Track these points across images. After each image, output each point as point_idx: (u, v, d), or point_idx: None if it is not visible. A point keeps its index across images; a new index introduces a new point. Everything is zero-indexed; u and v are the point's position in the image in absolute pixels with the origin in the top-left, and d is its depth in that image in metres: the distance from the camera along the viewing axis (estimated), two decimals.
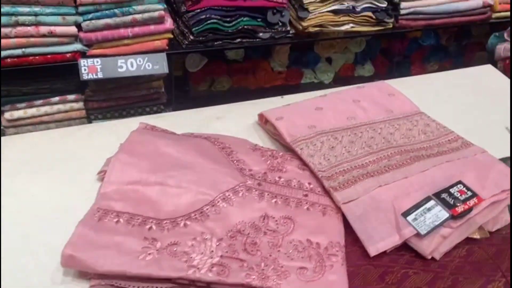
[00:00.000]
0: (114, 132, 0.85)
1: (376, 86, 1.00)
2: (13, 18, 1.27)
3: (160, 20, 1.44)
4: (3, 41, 1.30)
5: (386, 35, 1.93)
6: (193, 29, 1.47)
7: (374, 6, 1.65)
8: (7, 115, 1.46)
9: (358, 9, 1.64)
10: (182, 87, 1.91)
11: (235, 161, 0.77)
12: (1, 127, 1.47)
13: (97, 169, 0.78)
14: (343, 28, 1.66)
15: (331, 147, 0.82)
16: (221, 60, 1.89)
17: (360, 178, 0.76)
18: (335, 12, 1.62)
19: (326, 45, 1.97)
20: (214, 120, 0.93)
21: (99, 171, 0.77)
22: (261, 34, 1.56)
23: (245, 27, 1.52)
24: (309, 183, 0.76)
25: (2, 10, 1.25)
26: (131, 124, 0.87)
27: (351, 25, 1.67)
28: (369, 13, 1.66)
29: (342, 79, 2.07)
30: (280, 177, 0.76)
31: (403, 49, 2.06)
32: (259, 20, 1.54)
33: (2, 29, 1.28)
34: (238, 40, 1.56)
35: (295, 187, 0.75)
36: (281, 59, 1.93)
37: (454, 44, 2.10)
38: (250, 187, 0.73)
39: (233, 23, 1.51)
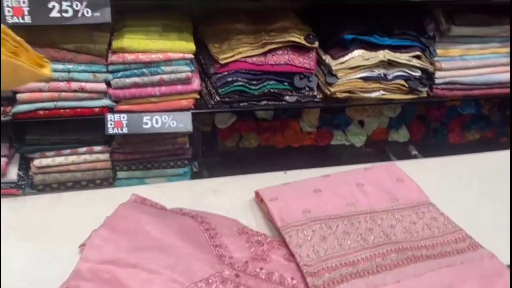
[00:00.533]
0: (109, 200, 0.85)
1: (385, 169, 0.94)
2: None
3: (187, 81, 1.47)
4: (37, 94, 1.39)
5: (421, 102, 1.87)
6: (220, 91, 1.49)
7: (406, 74, 1.61)
8: (36, 162, 1.53)
9: (389, 77, 1.60)
10: (210, 142, 1.92)
11: (216, 246, 0.74)
12: None
13: (83, 239, 0.78)
14: (373, 95, 1.62)
15: (323, 237, 0.77)
16: (250, 118, 1.90)
17: (348, 278, 0.70)
18: (365, 79, 1.59)
19: (358, 108, 1.92)
20: (210, 193, 0.91)
21: (81, 244, 0.77)
22: (287, 97, 1.56)
23: (271, 90, 1.52)
24: (292, 278, 0.71)
25: None
26: (127, 192, 0.87)
27: (382, 92, 1.62)
28: (401, 81, 1.62)
29: (375, 143, 2.00)
30: (261, 268, 0.72)
31: (440, 116, 1.98)
32: (285, 84, 1.54)
33: (37, 84, 1.37)
34: (264, 102, 1.56)
35: (276, 281, 0.71)
36: (311, 120, 1.91)
37: (497, 114, 1.99)
38: (225, 278, 0.69)
39: (259, 86, 1.52)
